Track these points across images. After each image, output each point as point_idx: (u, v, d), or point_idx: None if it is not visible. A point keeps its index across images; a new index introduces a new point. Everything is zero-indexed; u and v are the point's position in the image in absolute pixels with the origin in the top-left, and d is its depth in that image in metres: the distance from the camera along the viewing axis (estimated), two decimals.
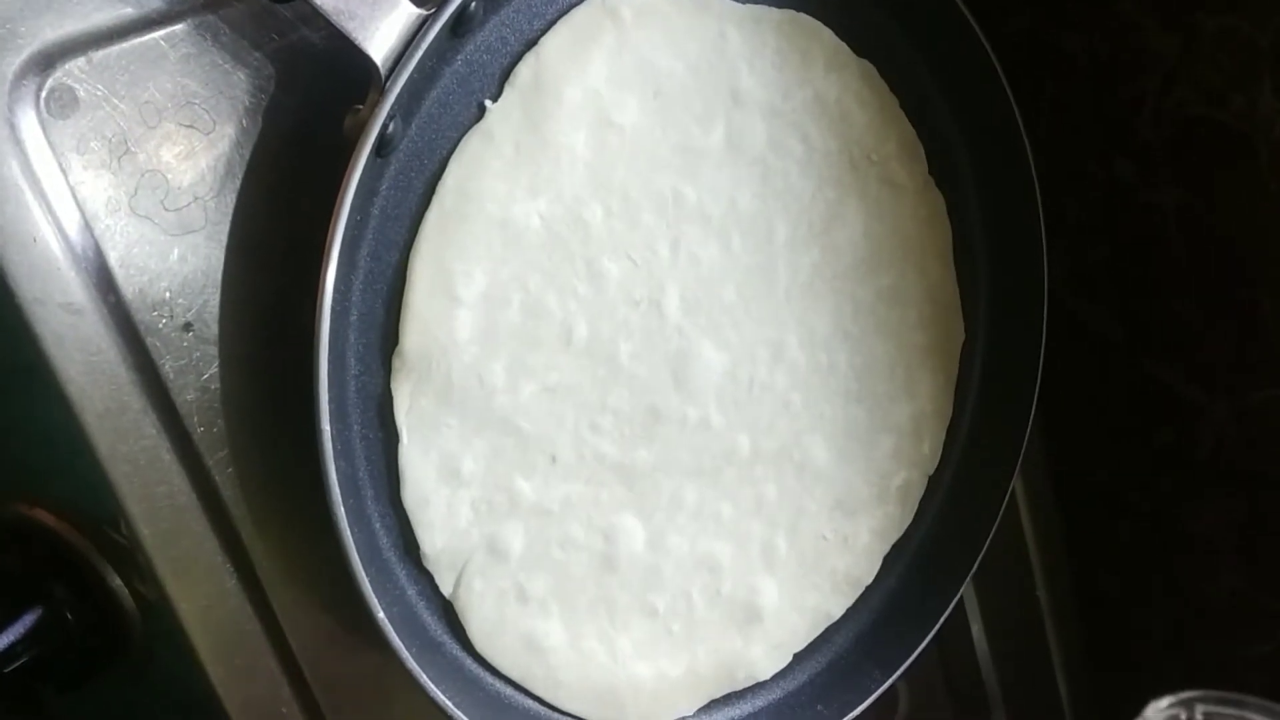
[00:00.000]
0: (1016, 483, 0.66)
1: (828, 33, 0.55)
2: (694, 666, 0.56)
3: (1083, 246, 0.71)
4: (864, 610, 0.62)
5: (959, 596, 0.63)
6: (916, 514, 0.63)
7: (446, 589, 0.50)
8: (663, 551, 0.54)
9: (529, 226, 0.49)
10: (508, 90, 0.48)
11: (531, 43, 0.48)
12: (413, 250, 0.47)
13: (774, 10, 0.54)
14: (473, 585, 0.50)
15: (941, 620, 0.62)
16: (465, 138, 0.47)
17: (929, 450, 0.62)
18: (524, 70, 0.48)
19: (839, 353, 0.57)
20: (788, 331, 0.56)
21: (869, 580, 0.61)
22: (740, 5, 0.53)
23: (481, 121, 0.47)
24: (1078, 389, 0.74)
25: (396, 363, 0.47)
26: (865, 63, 0.57)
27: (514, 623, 0.51)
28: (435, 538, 0.49)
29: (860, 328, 0.58)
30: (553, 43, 0.48)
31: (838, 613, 0.61)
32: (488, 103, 0.48)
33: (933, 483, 0.63)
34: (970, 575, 0.63)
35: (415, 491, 0.48)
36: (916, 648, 0.62)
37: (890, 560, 0.62)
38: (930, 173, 0.60)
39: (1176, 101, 0.64)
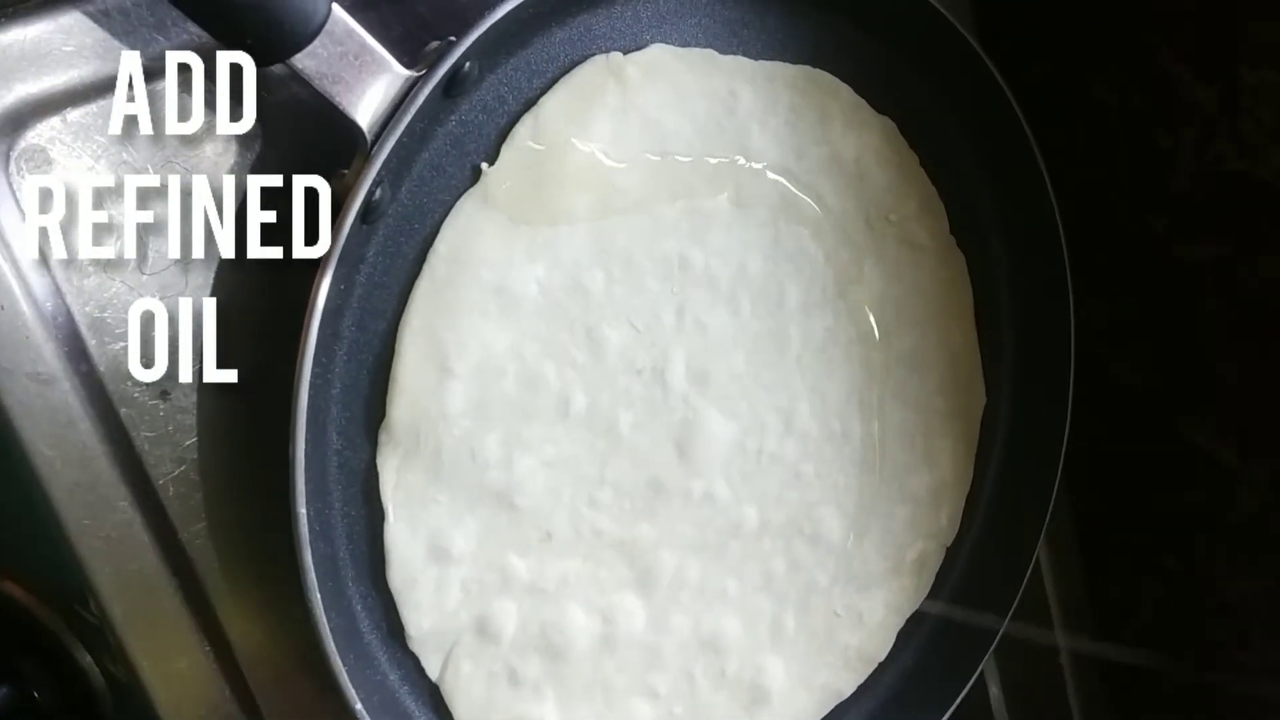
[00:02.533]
0: (1041, 546, 0.64)
1: (845, 89, 0.53)
2: None
3: (1113, 302, 0.68)
4: (878, 688, 0.59)
5: (978, 673, 0.60)
6: (933, 587, 0.60)
7: (433, 672, 0.47)
8: (664, 631, 0.51)
9: (526, 294, 0.46)
10: (505, 151, 0.46)
11: (530, 102, 0.46)
12: (402, 320, 0.45)
13: (789, 66, 0.51)
14: (461, 668, 0.47)
15: (959, 699, 0.59)
16: (459, 202, 0.45)
17: (947, 521, 0.59)
18: (522, 131, 0.46)
19: (853, 421, 0.55)
20: (799, 399, 0.53)
21: (882, 657, 0.58)
22: (752, 62, 0.50)
23: (476, 185, 0.45)
24: (1106, 448, 0.71)
25: (383, 437, 0.45)
26: (885, 119, 0.54)
27: (505, 707, 0.48)
28: (422, 619, 0.46)
29: (876, 395, 0.55)
30: (553, 102, 0.46)
31: (848, 690, 0.58)
32: (484, 165, 0.45)
33: (951, 554, 0.60)
34: (990, 652, 0.60)
35: (402, 572, 0.46)
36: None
37: (905, 635, 0.59)
38: (952, 232, 0.58)
39: (1214, 156, 0.61)
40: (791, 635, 0.55)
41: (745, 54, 0.51)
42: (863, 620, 0.57)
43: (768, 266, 0.51)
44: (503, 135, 0.46)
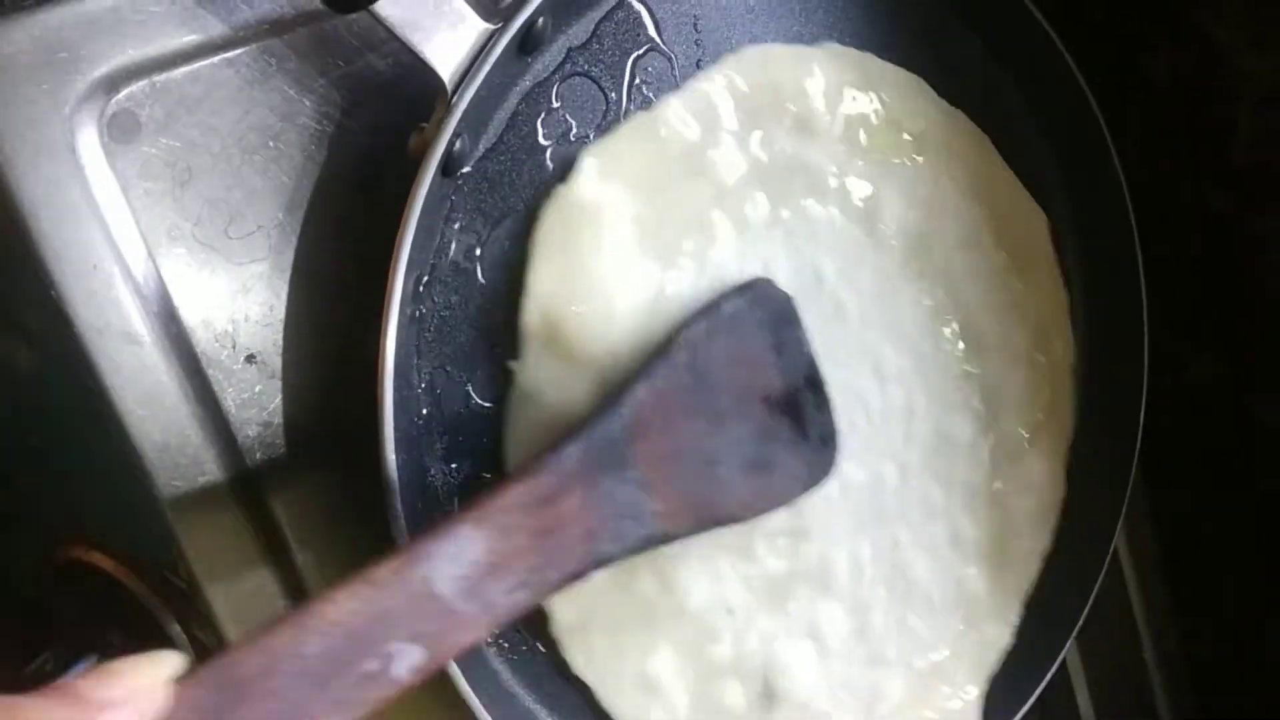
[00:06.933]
0: (1119, 537, 0.63)
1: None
2: None
3: (1180, 282, 0.68)
4: None
5: (1062, 658, 0.59)
6: None
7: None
8: (866, 611, 0.54)
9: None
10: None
11: None
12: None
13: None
14: None
15: (1045, 679, 0.58)
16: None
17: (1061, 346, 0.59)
18: None
19: (937, 334, 0.55)
20: (880, 348, 0.53)
21: (1061, 497, 0.59)
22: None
23: None
24: (1179, 435, 0.70)
25: None
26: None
27: None
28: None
29: (940, 299, 0.55)
30: None
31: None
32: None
33: None
34: (1075, 634, 0.59)
35: None
36: (1019, 710, 0.57)
37: None
38: None
39: (1274, 125, 0.61)
40: (974, 538, 0.56)
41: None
42: (1031, 484, 0.58)
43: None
44: None
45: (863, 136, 0.52)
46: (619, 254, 0.47)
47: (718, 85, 0.49)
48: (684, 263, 0.48)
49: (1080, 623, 0.59)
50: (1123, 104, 0.66)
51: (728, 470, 0.45)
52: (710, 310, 0.46)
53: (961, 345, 0.55)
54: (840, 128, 0.51)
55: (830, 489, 0.51)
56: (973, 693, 0.57)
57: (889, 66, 0.53)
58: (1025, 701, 0.58)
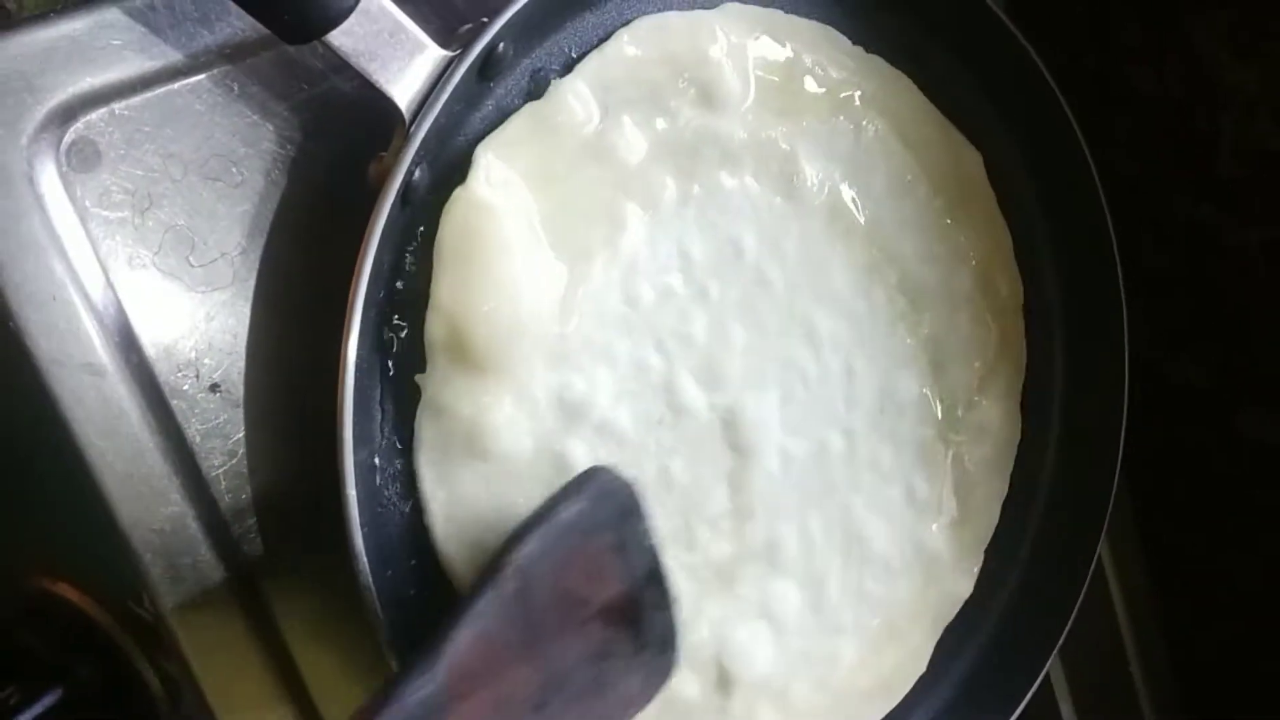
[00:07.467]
0: (1103, 549, 0.62)
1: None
2: None
3: (1165, 295, 0.67)
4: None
5: (1045, 673, 0.58)
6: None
7: None
8: (821, 585, 0.53)
9: None
10: None
11: None
12: None
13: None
14: None
15: (1026, 699, 0.58)
16: None
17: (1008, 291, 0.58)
18: None
19: (872, 290, 0.54)
20: (811, 313, 0.52)
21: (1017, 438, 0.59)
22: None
23: None
24: (1167, 448, 0.69)
25: None
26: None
27: None
28: None
29: (872, 257, 0.54)
30: None
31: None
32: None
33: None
34: (1056, 650, 0.59)
35: None
36: None
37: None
38: None
39: (1258, 135, 0.60)
40: (931, 494, 0.55)
41: None
42: (986, 429, 0.57)
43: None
44: None
45: (773, 97, 0.50)
46: (523, 253, 0.44)
47: (611, 63, 0.46)
48: (594, 255, 0.46)
49: (1062, 637, 0.59)
50: (1109, 115, 0.65)
51: (555, 708, 0.39)
52: (544, 519, 0.40)
53: (901, 298, 0.54)
54: (748, 91, 0.49)
55: (771, 464, 0.50)
56: (928, 645, 0.57)
57: (796, 19, 0.51)
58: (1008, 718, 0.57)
